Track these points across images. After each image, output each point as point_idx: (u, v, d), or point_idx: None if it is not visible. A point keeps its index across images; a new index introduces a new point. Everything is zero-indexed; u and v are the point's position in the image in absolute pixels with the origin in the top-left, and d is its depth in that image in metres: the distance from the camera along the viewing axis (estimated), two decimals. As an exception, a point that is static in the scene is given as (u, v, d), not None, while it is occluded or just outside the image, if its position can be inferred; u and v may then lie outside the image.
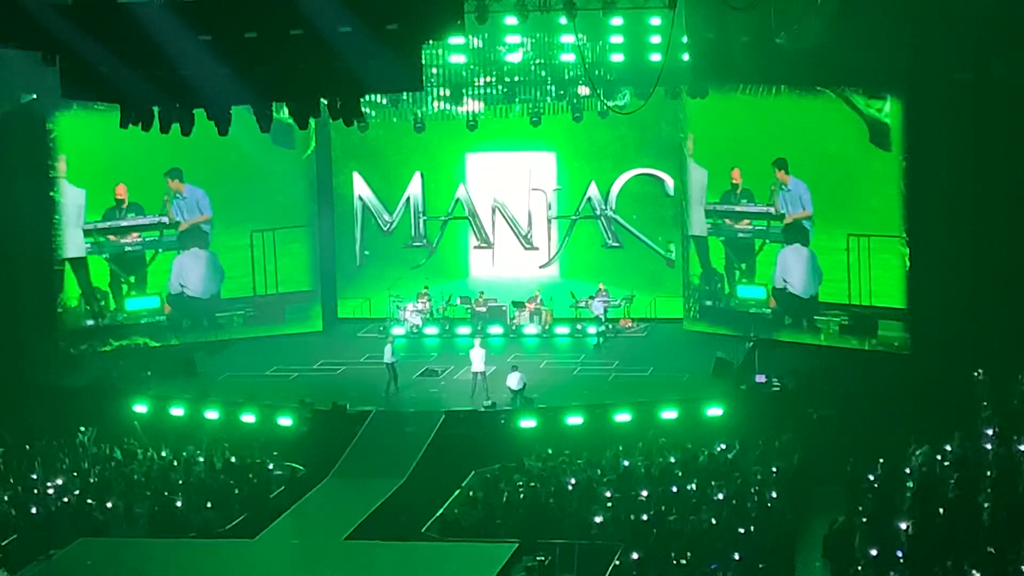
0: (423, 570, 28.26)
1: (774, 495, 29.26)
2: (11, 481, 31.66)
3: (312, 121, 23.32)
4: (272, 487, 32.16)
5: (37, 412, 34.82)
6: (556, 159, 42.37)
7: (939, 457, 29.87)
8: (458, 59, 38.27)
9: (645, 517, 28.58)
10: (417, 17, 21.29)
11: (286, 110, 24.04)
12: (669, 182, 41.38)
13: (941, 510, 27.53)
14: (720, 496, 29.28)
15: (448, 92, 38.69)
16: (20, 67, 34.49)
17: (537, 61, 38.39)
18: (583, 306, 40.87)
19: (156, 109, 22.09)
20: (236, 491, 31.46)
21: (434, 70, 37.91)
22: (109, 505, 30.61)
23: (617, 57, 37.58)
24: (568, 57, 37.89)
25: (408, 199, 42.79)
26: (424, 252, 42.94)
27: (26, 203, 37.37)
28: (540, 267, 42.74)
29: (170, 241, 40.15)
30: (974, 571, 24.93)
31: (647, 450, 32.11)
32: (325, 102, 22.56)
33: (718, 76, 37.42)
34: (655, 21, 36.24)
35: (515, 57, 38.44)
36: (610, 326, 40.48)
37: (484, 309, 41.10)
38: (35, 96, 37.75)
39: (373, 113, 39.19)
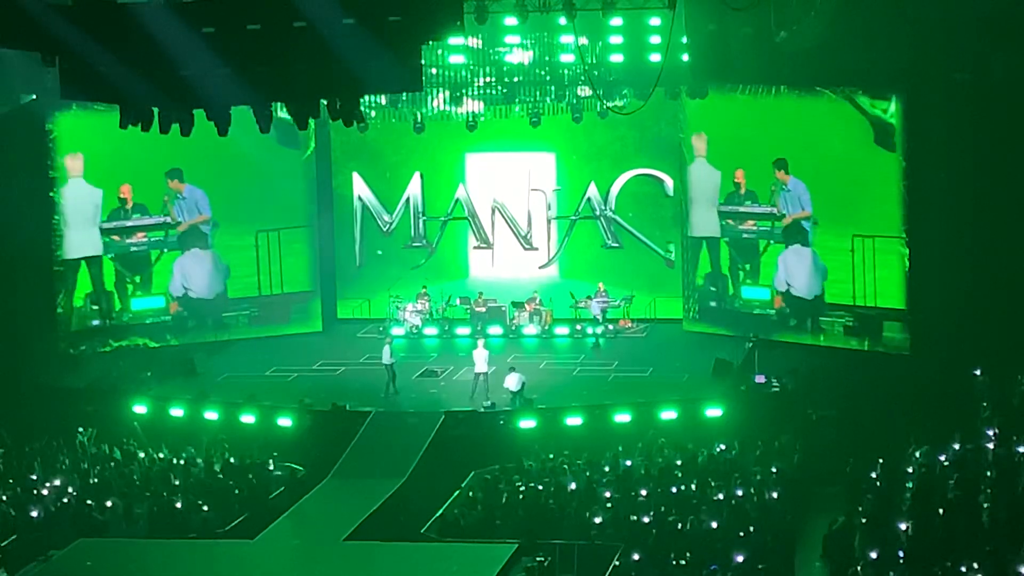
0: (422, 571, 28.23)
1: (774, 495, 29.26)
2: (10, 481, 31.64)
3: (312, 121, 23.31)
4: (272, 487, 32.15)
5: (37, 412, 34.84)
6: (556, 159, 42.37)
7: (939, 457, 29.86)
8: (458, 59, 38.27)
9: (645, 518, 28.57)
10: (417, 17, 21.28)
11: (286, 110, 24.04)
12: (669, 182, 41.38)
13: (941, 510, 27.52)
14: (720, 497, 29.28)
15: (448, 93, 38.68)
16: (20, 67, 34.49)
17: (537, 59, 38.36)
18: (582, 306, 40.87)
19: (156, 109, 22.09)
20: (236, 491, 31.46)
21: (434, 70, 37.90)
22: (108, 505, 30.60)
23: (617, 57, 37.58)
24: (568, 57, 37.89)
25: (408, 199, 42.80)
26: (424, 252, 42.94)
27: (26, 203, 37.34)
28: (540, 267, 42.74)
29: (175, 241, 40.21)
30: (974, 572, 24.93)
31: (647, 451, 32.12)
32: (325, 102, 22.57)
33: (718, 76, 37.42)
34: (655, 21, 36.25)
35: (515, 57, 38.45)
36: (609, 327, 40.48)
37: (484, 309, 41.10)
38: (35, 96, 37.78)
39: (373, 113, 39.19)
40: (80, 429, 34.02)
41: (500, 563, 27.50)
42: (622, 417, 33.67)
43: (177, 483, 31.69)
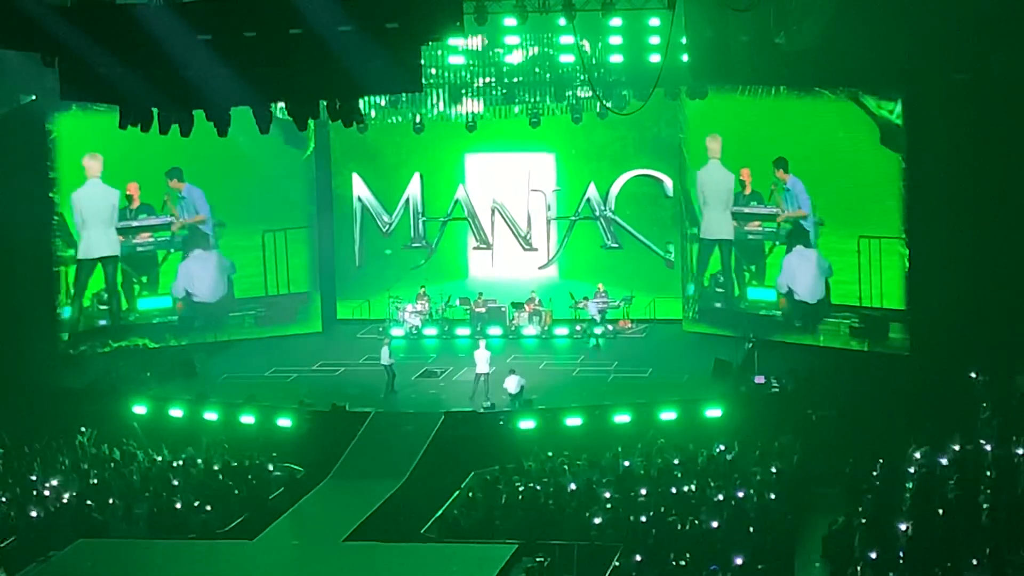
0: (422, 571, 28.24)
1: (773, 496, 29.25)
2: (10, 482, 31.65)
3: (311, 122, 23.31)
4: (271, 488, 32.16)
5: (37, 413, 34.81)
6: (555, 160, 42.40)
7: (938, 458, 29.87)
8: (457, 60, 38.27)
9: (644, 518, 28.56)
10: (416, 18, 21.28)
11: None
12: (668, 183, 41.40)
13: (940, 511, 27.52)
14: (719, 497, 29.27)
15: (447, 93, 38.68)
16: (19, 68, 34.47)
17: (536, 59, 38.36)
18: (581, 307, 40.87)
19: (155, 110, 22.10)
20: (235, 492, 31.46)
21: (433, 71, 37.92)
22: (109, 505, 30.59)
23: (616, 58, 37.57)
24: (567, 58, 37.90)
25: (407, 200, 42.80)
26: (423, 253, 42.94)
27: (26, 204, 37.34)
28: (539, 268, 42.75)
29: (180, 242, 40.24)
30: (974, 572, 24.93)
31: (646, 451, 32.11)
32: (324, 103, 22.57)
33: (717, 77, 37.40)
34: (654, 22, 36.23)
35: (514, 58, 38.46)
36: (609, 327, 40.48)
37: (483, 310, 41.11)
38: (34, 97, 37.79)
39: (373, 114, 39.19)
40: (80, 430, 34.01)
41: (500, 564, 27.51)
42: (622, 418, 33.68)
43: (177, 484, 31.68)
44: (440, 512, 30.38)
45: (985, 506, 27.38)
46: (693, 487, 29.86)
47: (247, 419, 34.69)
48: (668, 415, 33.58)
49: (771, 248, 38.79)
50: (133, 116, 22.14)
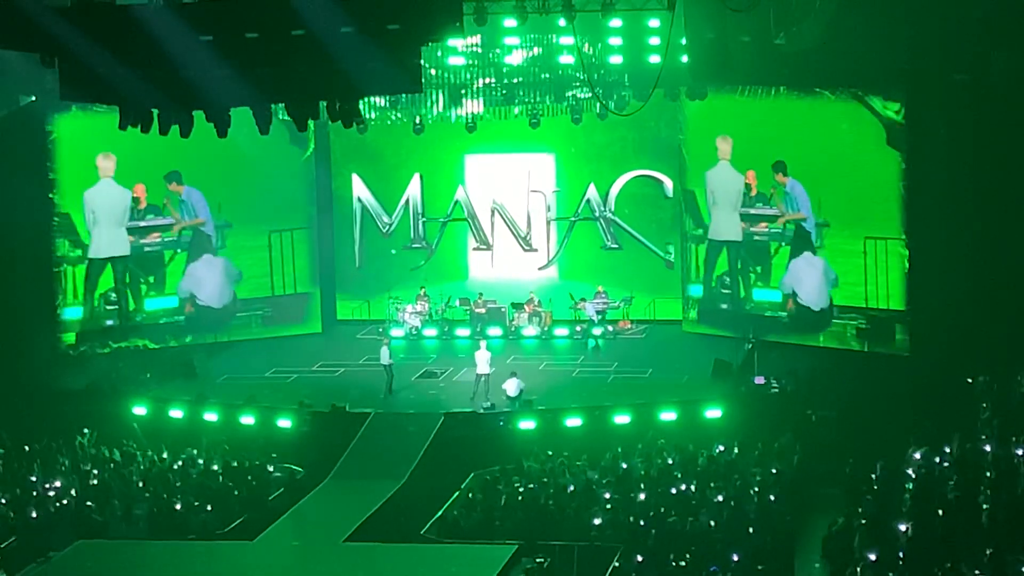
0: (422, 572, 28.25)
1: (773, 497, 29.24)
2: (10, 483, 31.63)
3: (311, 122, 23.31)
4: (271, 489, 32.18)
5: (36, 414, 34.82)
6: (555, 161, 42.39)
7: (938, 459, 29.86)
8: (457, 61, 38.26)
9: (644, 519, 28.54)
10: (416, 19, 21.28)
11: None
12: (668, 184, 41.39)
13: (940, 511, 27.52)
14: (719, 498, 29.26)
15: (447, 94, 38.67)
16: (19, 69, 34.46)
17: (536, 60, 38.37)
18: (579, 307, 40.85)
19: (155, 111, 22.09)
20: (235, 493, 31.47)
21: (433, 71, 37.92)
22: (109, 505, 30.59)
23: (616, 59, 37.53)
24: (567, 59, 37.89)
25: (407, 201, 42.80)
26: (423, 254, 42.94)
27: (26, 205, 37.35)
28: (539, 269, 42.74)
29: (187, 242, 40.23)
30: (974, 573, 24.92)
31: (646, 452, 32.10)
32: (324, 104, 22.57)
33: (717, 78, 37.37)
34: (654, 23, 36.17)
35: (514, 59, 38.44)
36: (609, 328, 40.46)
37: (483, 311, 41.10)
38: (34, 98, 37.79)
39: (374, 115, 39.19)
40: (81, 431, 34.00)
41: (500, 564, 27.52)
42: (622, 418, 33.68)
43: (177, 484, 31.68)
44: (440, 513, 30.38)
45: (985, 507, 27.38)
46: (693, 488, 29.86)
47: (247, 420, 34.69)
48: (668, 416, 33.58)
49: (776, 249, 38.74)
50: (133, 117, 22.14)
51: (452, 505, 30.76)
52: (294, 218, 41.35)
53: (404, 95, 37.26)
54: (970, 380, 32.85)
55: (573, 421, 33.71)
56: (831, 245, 37.61)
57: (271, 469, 32.89)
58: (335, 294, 42.97)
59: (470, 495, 31.01)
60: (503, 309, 41.14)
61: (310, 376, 38.16)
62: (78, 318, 38.91)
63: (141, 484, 31.79)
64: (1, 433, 33.74)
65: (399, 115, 40.02)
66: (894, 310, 36.57)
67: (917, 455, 30.09)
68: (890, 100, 35.98)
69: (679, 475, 30.68)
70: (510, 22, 34.90)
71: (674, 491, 29.78)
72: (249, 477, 32.14)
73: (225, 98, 21.63)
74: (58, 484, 31.36)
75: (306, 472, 33.10)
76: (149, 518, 30.46)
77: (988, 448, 29.93)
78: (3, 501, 30.63)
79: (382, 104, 39.12)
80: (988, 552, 25.37)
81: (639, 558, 26.93)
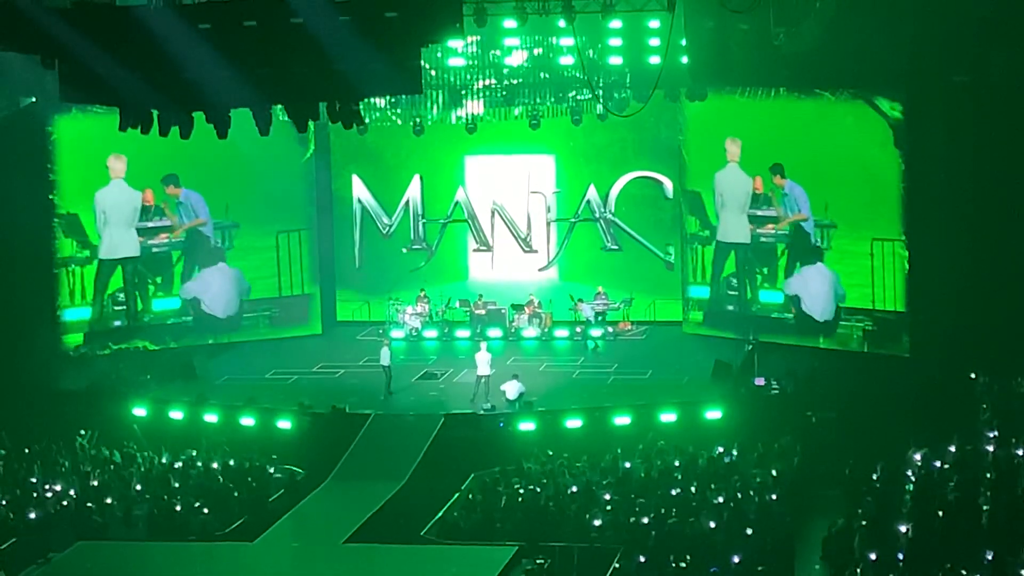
0: (422, 573, 28.27)
1: (773, 498, 29.24)
2: (10, 484, 31.63)
3: (311, 124, 23.31)
4: (271, 490, 32.16)
5: (36, 415, 34.82)
6: (555, 162, 42.38)
7: (938, 460, 29.86)
8: (457, 62, 38.27)
9: (644, 520, 28.55)
10: (416, 19, 21.28)
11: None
12: (668, 185, 41.37)
13: (940, 513, 27.52)
14: (719, 499, 29.26)
15: (447, 95, 38.67)
16: (19, 70, 34.47)
17: (536, 61, 38.36)
18: (577, 309, 40.81)
19: (155, 112, 22.10)
20: (235, 494, 31.45)
21: (433, 73, 37.93)
22: (108, 507, 30.58)
23: (616, 60, 37.58)
24: (567, 60, 37.90)
25: (407, 202, 42.79)
26: (423, 255, 42.94)
27: (26, 206, 37.36)
28: (539, 270, 42.73)
29: (188, 243, 40.28)
30: (973, 574, 24.93)
31: (646, 453, 32.10)
32: (324, 105, 22.57)
33: (717, 79, 37.38)
34: (654, 24, 36.20)
35: (514, 60, 38.46)
36: (609, 329, 40.46)
37: (483, 312, 41.09)
38: (34, 99, 37.78)
39: (375, 116, 39.18)
40: (80, 432, 34.01)
41: (500, 566, 27.52)
42: (622, 419, 33.66)
43: (176, 485, 31.68)
44: (440, 514, 30.37)
45: (985, 508, 27.38)
46: (693, 489, 29.85)
47: (247, 421, 34.67)
48: (668, 417, 33.56)
49: (783, 251, 38.65)
50: (133, 118, 22.16)
51: (452, 506, 30.76)
52: (295, 219, 41.33)
53: (404, 96, 37.22)
54: (973, 376, 32.84)
55: (573, 422, 33.70)
56: (838, 247, 37.52)
57: (271, 470, 32.88)
58: (335, 295, 42.94)
59: (470, 496, 31.01)
60: (503, 310, 41.12)
61: (310, 377, 38.14)
62: (86, 319, 38.90)
63: (141, 485, 31.76)
64: (1, 434, 33.74)
65: (399, 116, 40.03)
66: (900, 312, 36.47)
67: (917, 456, 30.10)
68: (897, 102, 35.94)
69: (679, 476, 30.66)
70: (510, 23, 34.92)
71: (674, 492, 29.77)
72: (249, 478, 32.13)
73: (225, 99, 21.65)
74: (58, 485, 31.33)
75: (306, 473, 33.08)
76: (149, 519, 30.46)
77: (988, 449, 29.94)
78: (3, 502, 30.65)
79: (382, 105, 39.13)
80: (988, 553, 25.36)
81: (642, 558, 26.92)
